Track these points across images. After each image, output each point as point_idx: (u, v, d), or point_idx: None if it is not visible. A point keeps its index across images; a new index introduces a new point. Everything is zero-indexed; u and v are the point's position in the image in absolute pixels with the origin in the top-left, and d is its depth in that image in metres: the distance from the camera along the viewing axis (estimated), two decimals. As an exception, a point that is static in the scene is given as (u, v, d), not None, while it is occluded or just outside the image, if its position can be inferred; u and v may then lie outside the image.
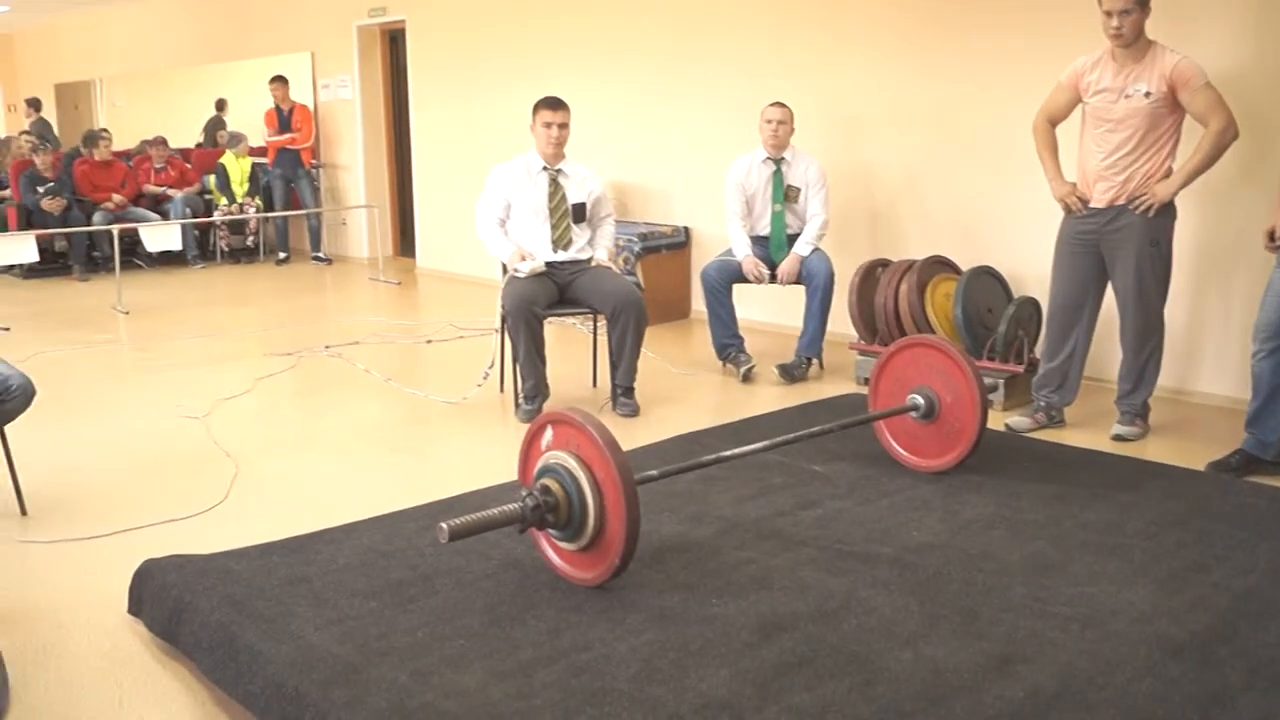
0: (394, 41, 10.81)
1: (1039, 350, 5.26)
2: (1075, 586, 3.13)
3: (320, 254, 11.09)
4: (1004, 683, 2.58)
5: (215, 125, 13.00)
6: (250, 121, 12.05)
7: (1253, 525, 3.64)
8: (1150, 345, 4.75)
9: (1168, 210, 4.62)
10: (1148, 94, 4.48)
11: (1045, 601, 3.02)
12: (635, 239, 7.54)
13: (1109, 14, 4.44)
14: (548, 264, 5.34)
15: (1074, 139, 4.83)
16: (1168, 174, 4.58)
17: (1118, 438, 4.79)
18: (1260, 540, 3.50)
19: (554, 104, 5.42)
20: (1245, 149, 4.72)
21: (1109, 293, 4.84)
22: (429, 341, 7.18)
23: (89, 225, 10.17)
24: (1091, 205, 4.71)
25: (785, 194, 6.11)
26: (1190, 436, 4.86)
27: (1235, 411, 4.56)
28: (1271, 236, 4.30)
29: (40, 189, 10.19)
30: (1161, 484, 4.07)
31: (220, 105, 13.19)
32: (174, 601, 3.05)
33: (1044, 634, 2.82)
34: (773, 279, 6.07)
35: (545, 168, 5.45)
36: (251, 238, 11.40)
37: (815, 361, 6.08)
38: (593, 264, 5.48)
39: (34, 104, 15.84)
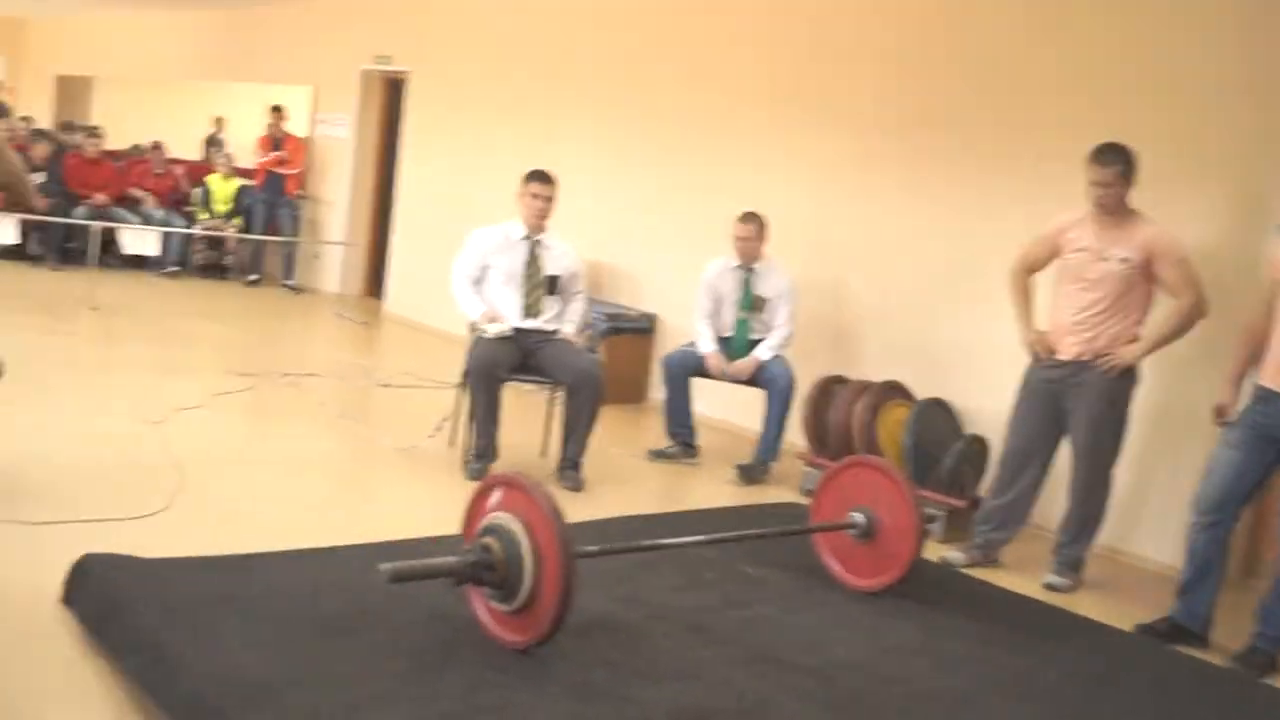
0: (394, 89, 10.97)
1: (983, 488, 5.36)
2: (984, 724, 3.22)
3: (291, 282, 11.14)
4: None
5: (211, 143, 13.04)
6: (243, 142, 12.18)
7: (1170, 694, 3.71)
8: (1095, 501, 4.85)
9: (1130, 373, 4.75)
10: (1124, 260, 4.62)
11: (953, 734, 3.10)
12: (602, 317, 7.65)
13: (1094, 184, 4.61)
14: (515, 329, 5.44)
15: (1047, 284, 4.98)
16: (1135, 338, 4.72)
17: (1049, 586, 4.84)
18: (1171, 711, 3.57)
19: (543, 178, 5.57)
20: (1212, 325, 4.82)
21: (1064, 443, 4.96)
22: (385, 385, 7.23)
23: (70, 218, 10.18)
24: (1058, 356, 4.83)
25: (752, 303, 6.26)
26: (1121, 596, 4.91)
27: (1169, 578, 4.62)
28: (1219, 412, 4.44)
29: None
30: (1086, 639, 4.14)
31: (217, 123, 13.20)
32: (109, 599, 3.08)
33: (948, 764, 2.90)
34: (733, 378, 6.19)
35: (526, 236, 5.58)
36: (227, 256, 11.46)
37: (770, 465, 6.18)
38: (558, 336, 5.59)
39: None
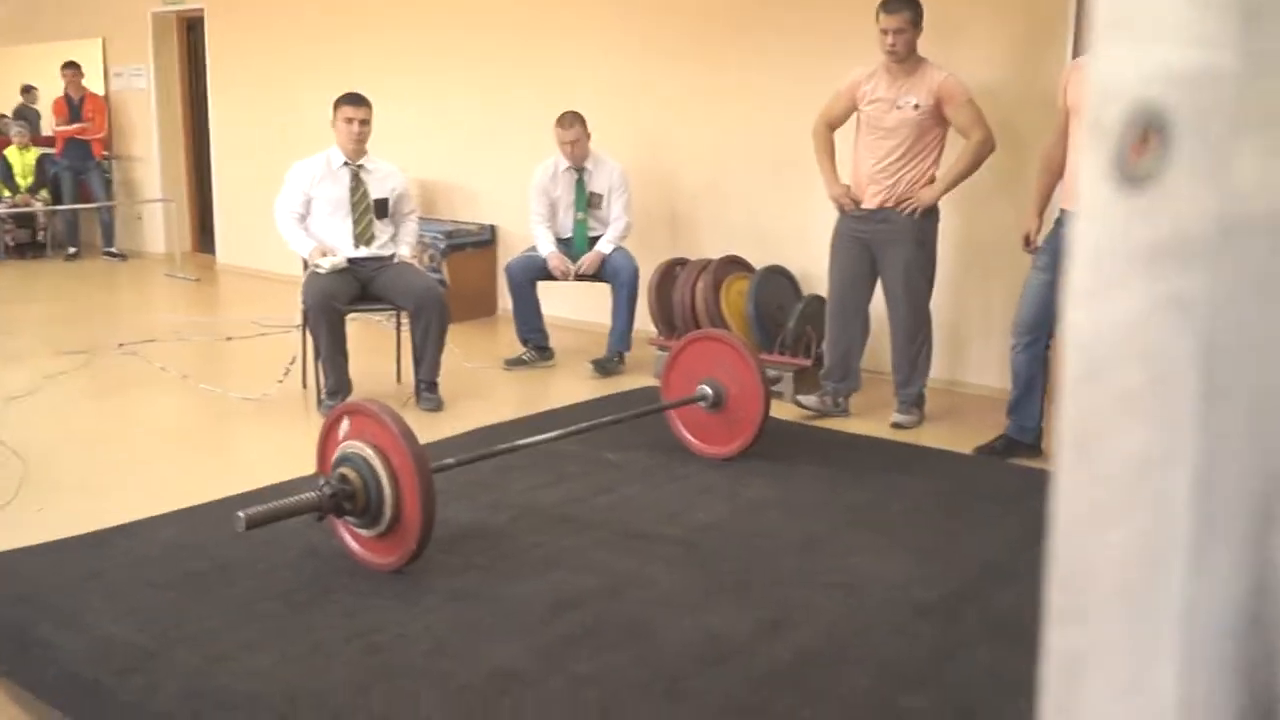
0: (191, 30, 10.55)
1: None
2: (840, 559, 3.40)
3: (113, 249, 10.74)
4: (774, 645, 2.82)
5: (21, 114, 12.14)
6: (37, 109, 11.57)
7: (1006, 501, 3.99)
8: (920, 337, 5.12)
9: (931, 213, 5.02)
10: (917, 106, 4.86)
11: (812, 573, 3.28)
12: (441, 236, 7.60)
13: (885, 32, 4.81)
14: (350, 260, 5.37)
15: (849, 143, 5.17)
16: (932, 180, 4.98)
17: (896, 425, 5.12)
18: (1010, 514, 3.85)
19: (355, 100, 5.46)
20: (1001, 160, 5.12)
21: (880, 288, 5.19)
22: (229, 339, 7.09)
23: None
24: (863, 206, 5.06)
25: (588, 201, 6.28)
26: (962, 423, 5.21)
27: (1004, 400, 4.88)
28: (1027, 240, 4.71)
29: None
30: (929, 466, 4.42)
31: (27, 92, 12.14)
32: (-41, 600, 3.01)
33: (810, 601, 3.08)
34: (578, 276, 6.24)
35: (347, 163, 5.48)
36: (40, 232, 10.98)
37: (624, 355, 6.28)
38: (395, 260, 5.54)
39: None
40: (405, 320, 5.55)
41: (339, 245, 5.41)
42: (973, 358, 5.86)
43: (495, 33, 7.75)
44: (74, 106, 10.54)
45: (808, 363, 5.64)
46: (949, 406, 5.51)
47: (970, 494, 4.08)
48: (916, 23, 4.81)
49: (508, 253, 7.37)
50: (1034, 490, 4.10)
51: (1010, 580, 3.25)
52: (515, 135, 7.59)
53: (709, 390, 4.36)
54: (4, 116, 12.04)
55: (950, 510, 3.89)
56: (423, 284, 5.44)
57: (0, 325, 7.42)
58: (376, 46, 8.47)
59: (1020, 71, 5.52)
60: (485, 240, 7.90)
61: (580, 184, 6.27)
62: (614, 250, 6.21)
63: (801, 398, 5.29)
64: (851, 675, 2.67)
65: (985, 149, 4.89)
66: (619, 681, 2.62)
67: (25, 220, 10.83)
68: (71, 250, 10.72)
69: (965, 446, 4.74)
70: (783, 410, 5.11)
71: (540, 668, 2.68)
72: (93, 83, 10.82)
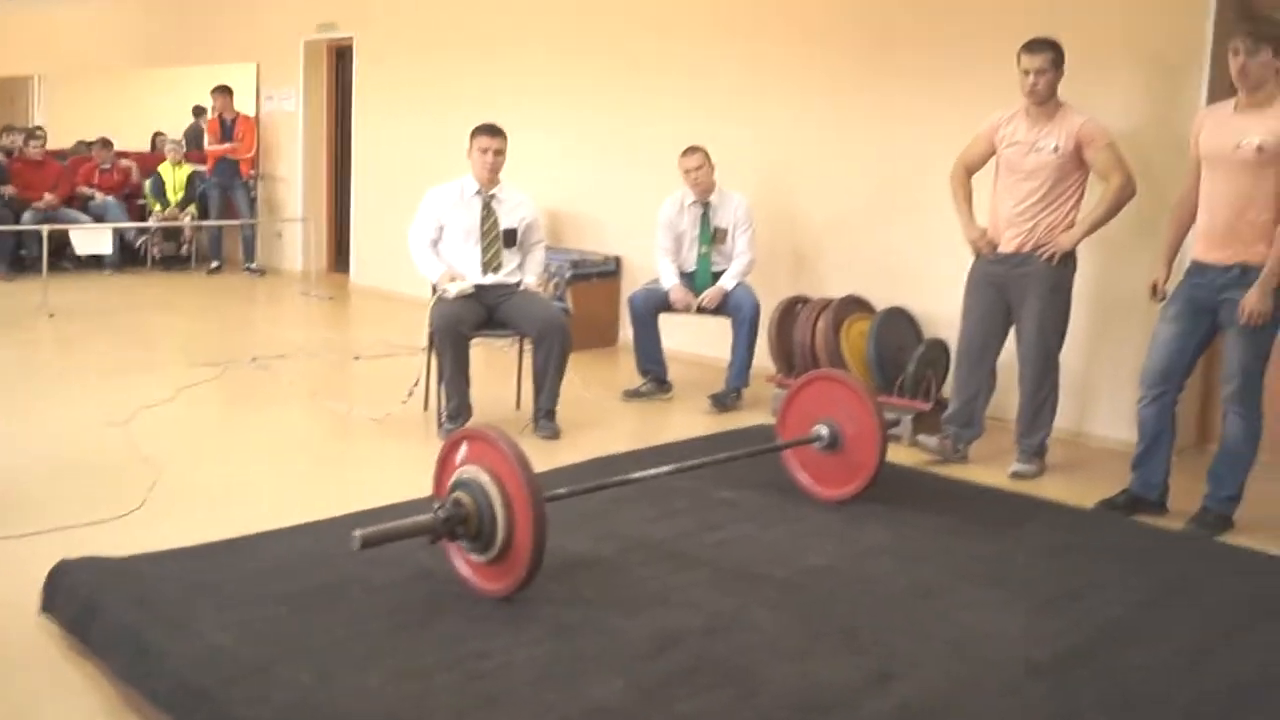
0: (340, 58, 10.88)
1: (946, 390, 5.47)
2: (952, 611, 3.32)
3: (253, 265, 11.09)
4: (878, 697, 2.75)
5: (192, 133, 12.32)
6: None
7: (1128, 560, 3.86)
8: (1047, 386, 4.99)
9: (1069, 259, 4.89)
10: (1056, 149, 4.76)
11: (923, 624, 3.20)
12: (567, 265, 7.67)
13: (1026, 73, 4.74)
14: (477, 286, 5.46)
15: (987, 187, 5.08)
16: (1071, 225, 4.85)
17: (1015, 475, 5.00)
18: (1132, 574, 3.72)
19: (491, 131, 5.56)
20: (1142, 206, 4.98)
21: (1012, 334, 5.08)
22: (357, 358, 7.26)
23: (17, 224, 10.04)
24: (1000, 250, 4.96)
25: (712, 236, 6.29)
26: (1084, 476, 5.06)
27: (1128, 454, 4.73)
28: (1154, 289, 4.57)
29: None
30: (1049, 519, 4.29)
31: (200, 114, 12.35)
32: (84, 601, 3.11)
33: (918, 654, 3.00)
34: (700, 309, 6.24)
35: (479, 191, 5.58)
36: (185, 246, 11.39)
37: (742, 392, 6.25)
38: (521, 288, 5.61)
39: None
40: (528, 347, 5.61)
41: (467, 271, 5.50)
42: (1101, 409, 5.68)
43: (626, 67, 7.83)
44: (226, 127, 10.94)
45: (927, 407, 5.54)
46: (1073, 458, 5.36)
47: (1091, 550, 3.95)
48: (1058, 64, 4.73)
49: (631, 284, 7.41)
50: (1157, 549, 4.02)
51: (1131, 642, 3.14)
52: (643, 169, 7.64)
53: (825, 431, 4.31)
54: (160, 134, 12.57)
55: (1069, 566, 3.77)
56: (546, 312, 5.49)
57: (142, 336, 7.73)
58: (513, 79, 8.63)
59: (1157, 118, 5.37)
60: (610, 271, 7.96)
61: (705, 218, 6.28)
62: (736, 286, 6.20)
63: (922, 437, 5.20)
64: (957, 733, 2.60)
65: (1125, 193, 4.78)
66: (718, 724, 2.59)
67: (172, 234, 11.25)
68: (213, 265, 11.11)
69: (1087, 500, 4.60)
70: (900, 454, 5.04)
71: (640, 706, 2.66)
72: (245, 104, 11.22)
